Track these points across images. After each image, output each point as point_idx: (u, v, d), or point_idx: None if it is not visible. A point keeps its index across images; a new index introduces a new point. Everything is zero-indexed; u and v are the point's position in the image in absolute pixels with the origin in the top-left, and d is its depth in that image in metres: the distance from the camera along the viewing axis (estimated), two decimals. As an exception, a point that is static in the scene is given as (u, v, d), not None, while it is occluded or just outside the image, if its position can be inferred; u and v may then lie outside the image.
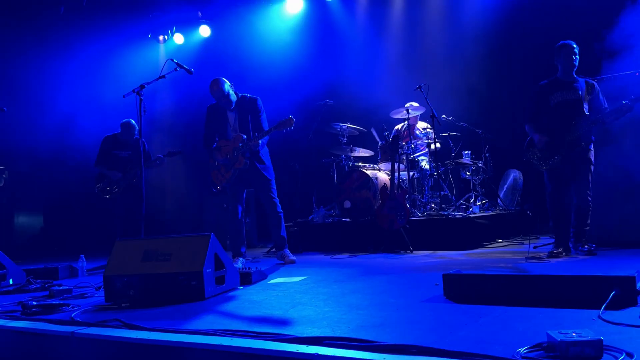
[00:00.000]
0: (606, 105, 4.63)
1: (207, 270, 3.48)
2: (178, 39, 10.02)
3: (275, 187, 5.58)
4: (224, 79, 5.45)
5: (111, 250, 3.75)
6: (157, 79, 4.86)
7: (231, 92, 5.45)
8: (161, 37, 10.10)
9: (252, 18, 9.50)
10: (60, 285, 4.29)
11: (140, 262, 3.60)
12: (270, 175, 5.55)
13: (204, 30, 9.90)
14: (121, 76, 9.05)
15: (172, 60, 4.94)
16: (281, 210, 5.58)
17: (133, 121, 6.65)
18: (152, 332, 2.58)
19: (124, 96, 4.69)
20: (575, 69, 4.68)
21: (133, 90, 4.61)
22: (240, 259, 5.45)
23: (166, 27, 10.05)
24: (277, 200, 5.56)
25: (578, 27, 6.49)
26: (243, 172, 5.42)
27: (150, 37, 10.13)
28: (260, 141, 5.31)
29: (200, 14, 9.69)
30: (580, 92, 4.64)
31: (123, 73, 9.19)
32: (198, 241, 3.61)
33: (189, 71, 4.99)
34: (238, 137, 5.37)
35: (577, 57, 4.66)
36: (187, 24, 9.98)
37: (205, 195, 8.76)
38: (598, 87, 4.72)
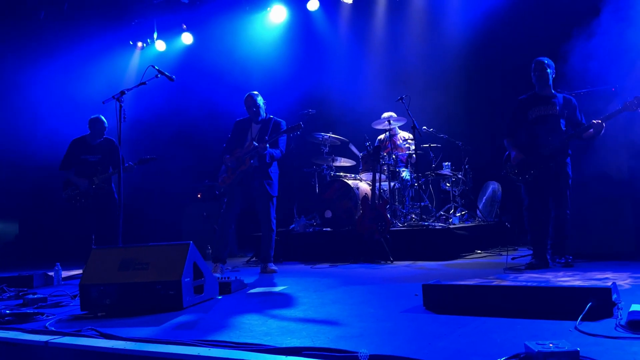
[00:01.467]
0: (584, 121, 4.72)
1: (186, 280, 3.45)
2: (160, 45, 9.95)
3: (275, 205, 5.63)
4: (259, 94, 5.73)
5: (87, 258, 3.69)
6: (137, 85, 4.80)
7: (262, 107, 5.69)
8: (140, 44, 10.00)
9: (236, 26, 9.49)
10: (34, 293, 4.21)
11: (117, 270, 3.54)
12: (274, 192, 5.60)
13: (187, 38, 9.86)
14: (101, 82, 8.96)
15: (154, 66, 4.90)
16: (275, 229, 5.62)
17: (103, 117, 6.31)
18: (128, 342, 2.54)
19: (103, 102, 4.63)
20: (549, 84, 4.75)
21: (113, 97, 4.55)
22: (221, 264, 5.43)
23: (148, 34, 9.98)
24: (274, 217, 5.60)
25: (558, 43, 6.62)
26: (247, 180, 5.48)
27: (132, 43, 10.05)
28: (267, 146, 5.39)
29: (184, 26, 9.65)
30: (557, 107, 4.72)
31: (103, 79, 9.10)
32: (177, 250, 3.57)
33: (170, 78, 4.95)
34: (250, 145, 5.50)
35: (550, 72, 4.74)
36: (170, 31, 9.93)
37: (185, 202, 8.69)
38: (575, 102, 4.80)
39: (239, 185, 5.53)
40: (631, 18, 5.25)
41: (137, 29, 9.87)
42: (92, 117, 6.31)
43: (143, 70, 4.89)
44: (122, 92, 4.59)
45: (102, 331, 2.74)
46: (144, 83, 4.80)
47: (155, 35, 9.83)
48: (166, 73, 4.91)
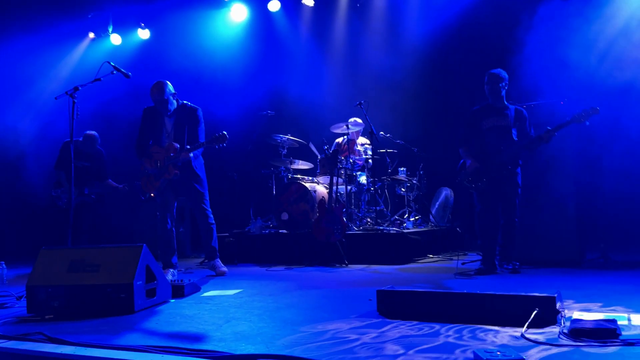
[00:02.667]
0: (532, 133, 4.89)
1: (138, 283, 3.39)
2: (115, 39, 9.71)
3: (208, 199, 5.43)
4: (168, 82, 5.28)
5: (35, 258, 3.57)
6: (92, 82, 4.69)
7: (171, 98, 5.27)
8: (91, 34, 9.68)
9: (195, 23, 9.35)
10: (-24, 294, 4.05)
11: (66, 272, 3.45)
12: (204, 188, 5.40)
13: (143, 33, 9.65)
14: (53, 75, 8.68)
15: (109, 63, 4.79)
16: (213, 222, 5.45)
17: (96, 134, 6.80)
18: (78, 347, 2.48)
19: (56, 98, 4.50)
20: (501, 96, 4.91)
21: (66, 93, 4.43)
22: (171, 270, 5.28)
23: (103, 27, 9.70)
24: (209, 211, 5.42)
25: (513, 54, 6.85)
26: (174, 182, 5.27)
27: (87, 36, 9.76)
28: (191, 154, 5.16)
29: (142, 24, 9.44)
30: (509, 119, 4.88)
31: (55, 71, 8.81)
32: (129, 252, 3.51)
33: (126, 75, 4.85)
34: (171, 146, 5.20)
35: (503, 85, 4.89)
36: (126, 25, 9.69)
37: (137, 202, 8.49)
38: (526, 114, 4.98)
39: (168, 188, 5.28)
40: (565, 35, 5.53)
41: (92, 22, 9.59)
42: (86, 132, 6.75)
43: (96, 63, 4.78)
44: (76, 88, 4.47)
45: (50, 335, 2.66)
46: (98, 79, 4.69)
47: (110, 29, 9.57)
48: (122, 69, 4.81)
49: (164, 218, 5.33)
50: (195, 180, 5.33)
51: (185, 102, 5.43)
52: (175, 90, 5.34)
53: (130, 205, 7.83)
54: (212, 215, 5.46)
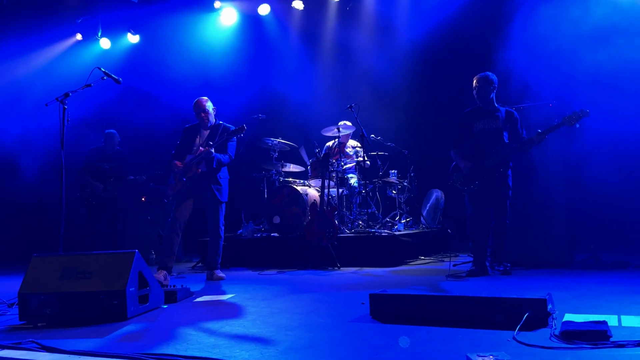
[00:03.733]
0: (524, 134, 4.93)
1: (130, 289, 3.38)
2: (105, 43, 9.66)
3: (224, 212, 5.54)
4: (208, 100, 5.65)
5: (27, 266, 3.55)
6: (82, 88, 4.66)
7: (212, 112, 5.62)
8: (79, 36, 9.61)
9: (185, 27, 9.33)
10: (-33, 302, 4.02)
11: (58, 279, 3.44)
12: (223, 197, 5.51)
13: (133, 37, 9.61)
14: (43, 80, 8.61)
15: (100, 68, 4.76)
16: (223, 236, 5.55)
17: (115, 132, 7.23)
18: (71, 355, 2.48)
19: (46, 104, 4.46)
20: (490, 99, 4.95)
21: (57, 99, 4.40)
22: (164, 272, 5.27)
23: (92, 31, 9.65)
24: (222, 224, 5.52)
25: (502, 56, 6.90)
26: (195, 186, 5.37)
27: (76, 41, 9.70)
28: (212, 151, 5.28)
29: (132, 31, 9.41)
30: (500, 121, 4.92)
31: (45, 77, 8.74)
32: (122, 259, 3.50)
33: (117, 80, 4.83)
34: (197, 151, 5.39)
35: (492, 88, 4.93)
36: (115, 29, 9.64)
37: (127, 206, 8.45)
38: (517, 116, 5.02)
39: (187, 192, 5.42)
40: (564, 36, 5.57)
41: (81, 26, 9.53)
42: (107, 131, 7.22)
43: (87, 67, 4.77)
44: (66, 94, 4.44)
45: (43, 343, 2.66)
46: (89, 85, 4.67)
47: (99, 33, 9.52)
48: (113, 75, 4.79)
49: (174, 222, 5.40)
50: (216, 186, 5.44)
51: (222, 122, 5.68)
52: (215, 107, 5.68)
53: (121, 208, 7.78)
54: (223, 229, 5.56)
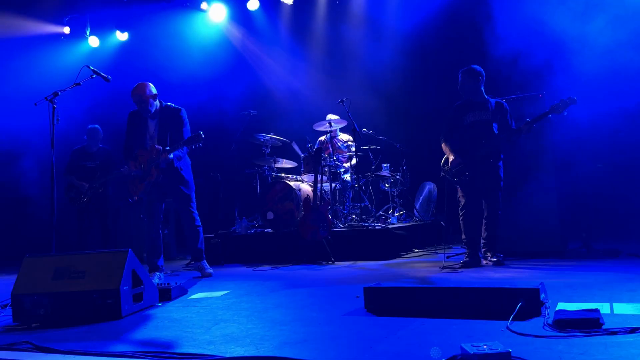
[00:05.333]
0: (513, 125, 4.96)
1: (124, 288, 3.37)
2: (93, 41, 9.60)
3: (194, 201, 5.40)
4: (150, 84, 5.21)
5: (20, 266, 3.54)
6: (71, 87, 4.63)
7: (151, 99, 5.19)
8: (66, 29, 9.51)
9: (173, 24, 9.29)
10: (-40, 304, 3.99)
11: (51, 279, 3.42)
12: (190, 190, 5.35)
13: (122, 35, 9.56)
14: (33, 77, 8.55)
15: (89, 67, 4.74)
16: (200, 224, 5.42)
17: (99, 127, 7.18)
18: (65, 355, 2.47)
19: (35, 104, 4.43)
20: (480, 91, 4.96)
21: (46, 98, 4.37)
22: (157, 273, 5.25)
23: (81, 30, 9.58)
24: (196, 214, 5.39)
25: (492, 49, 6.91)
26: (160, 184, 5.21)
27: (63, 39, 9.63)
28: (170, 155, 5.08)
29: (118, 31, 9.37)
30: (490, 112, 4.94)
31: (35, 74, 8.68)
32: (115, 257, 3.48)
33: (106, 79, 4.81)
34: (153, 148, 5.13)
35: (480, 79, 4.94)
36: (103, 27, 9.58)
37: (119, 205, 8.42)
38: (507, 107, 5.04)
39: (154, 191, 5.23)
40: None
41: (69, 24, 9.46)
42: (90, 126, 7.16)
43: (75, 65, 4.73)
44: (55, 94, 4.42)
45: (37, 344, 2.64)
46: (78, 84, 4.64)
47: (88, 31, 9.46)
48: (102, 73, 4.77)
49: (150, 221, 5.29)
50: (180, 182, 5.27)
51: (168, 103, 5.36)
52: (157, 92, 5.27)
53: (113, 207, 7.75)
54: (198, 218, 5.43)
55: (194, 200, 5.41)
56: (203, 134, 5.00)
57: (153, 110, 5.24)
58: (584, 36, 5.39)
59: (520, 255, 5.24)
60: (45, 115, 4.42)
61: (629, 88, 5.49)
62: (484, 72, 4.97)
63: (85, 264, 3.46)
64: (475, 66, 4.97)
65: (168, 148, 5.10)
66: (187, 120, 5.33)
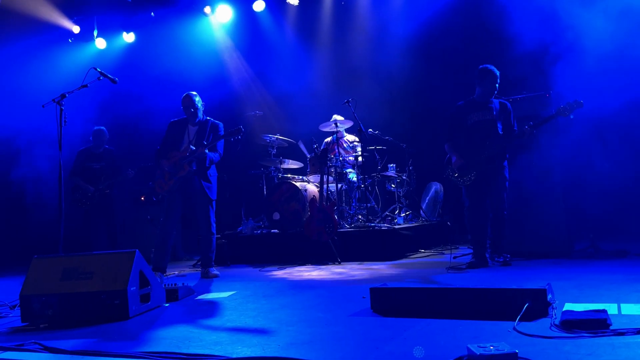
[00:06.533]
0: (515, 127, 4.94)
1: (132, 289, 3.39)
2: (100, 43, 9.65)
3: (214, 209, 5.53)
4: (197, 94, 5.56)
5: (28, 267, 3.56)
6: (78, 88, 4.65)
7: (200, 107, 5.53)
8: (76, 28, 9.55)
9: (179, 26, 9.32)
10: (-31, 305, 4.03)
11: (59, 280, 3.45)
12: (213, 195, 5.48)
13: (128, 36, 9.60)
14: (39, 82, 8.60)
15: (96, 69, 4.76)
16: (215, 232, 5.53)
17: (104, 128, 7.17)
18: (73, 356, 2.49)
19: (43, 106, 4.46)
20: (494, 94, 4.95)
21: (53, 100, 4.40)
22: (160, 274, 5.28)
23: (88, 31, 9.64)
24: (213, 220, 5.50)
25: (495, 48, 6.89)
26: (186, 185, 5.34)
27: (71, 41, 9.68)
28: (206, 150, 5.24)
29: (125, 32, 9.43)
30: (494, 113, 4.92)
31: (42, 79, 8.73)
32: (122, 258, 3.50)
33: (113, 80, 4.83)
34: (187, 148, 5.33)
35: (498, 82, 4.93)
36: (111, 29, 9.63)
37: (126, 206, 8.46)
38: (510, 108, 5.03)
39: (178, 191, 5.37)
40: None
41: (78, 25, 9.52)
42: (95, 128, 7.16)
43: (82, 67, 4.77)
44: (63, 95, 4.44)
45: (45, 344, 2.66)
46: (85, 86, 4.66)
47: (95, 33, 9.51)
48: (109, 75, 4.79)
49: (166, 222, 5.40)
50: (207, 186, 5.41)
51: (209, 118, 5.61)
52: (203, 103, 5.60)
53: (120, 208, 7.79)
54: (215, 226, 5.54)
55: (214, 208, 5.53)
56: (243, 127, 5.26)
57: (198, 119, 5.52)
58: (593, 30, 5.34)
59: (526, 256, 5.22)
60: (52, 116, 4.45)
61: (637, 84, 5.44)
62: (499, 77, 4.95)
63: (93, 265, 3.48)
64: (495, 68, 4.92)
65: (205, 142, 5.29)
66: (223, 134, 5.49)
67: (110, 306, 3.32)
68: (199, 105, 5.53)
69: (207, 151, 5.28)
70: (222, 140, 5.51)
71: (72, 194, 6.98)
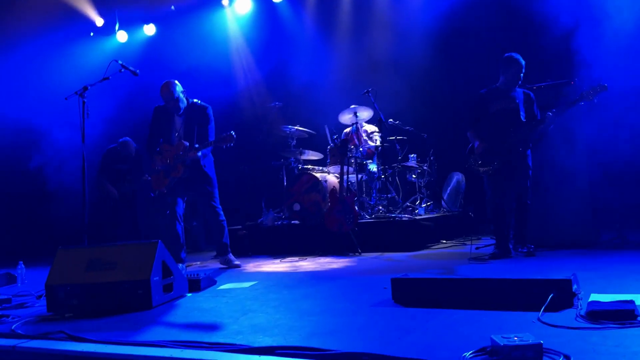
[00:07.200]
0: (538, 117, 4.85)
1: (155, 279, 3.42)
2: (121, 36, 9.74)
3: (217, 196, 5.47)
4: (176, 81, 5.34)
5: (53, 258, 3.62)
6: (100, 81, 4.70)
7: (181, 96, 5.33)
8: (100, 21, 9.66)
9: (200, 17, 9.35)
10: (-3, 294, 4.11)
11: (84, 271, 3.50)
12: (213, 187, 5.43)
13: (149, 29, 9.67)
14: (62, 76, 8.72)
15: (117, 61, 4.79)
16: (224, 218, 5.50)
17: (130, 140, 7.35)
18: (98, 345, 2.52)
19: (66, 98, 4.51)
20: (519, 83, 4.87)
21: (76, 92, 4.44)
22: (180, 265, 5.33)
23: (110, 24, 9.73)
24: (219, 208, 5.47)
25: (519, 35, 6.77)
26: (183, 181, 5.32)
27: (93, 35, 9.79)
28: (198, 153, 5.18)
29: (147, 26, 9.50)
30: (517, 101, 4.84)
31: (64, 72, 8.85)
32: (145, 249, 3.54)
33: (134, 73, 4.86)
34: (180, 145, 5.24)
35: (523, 73, 4.84)
36: (132, 22, 9.71)
37: (149, 198, 8.54)
38: (533, 97, 4.94)
39: (177, 187, 5.33)
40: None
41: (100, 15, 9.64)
42: (121, 139, 7.32)
43: (105, 61, 4.80)
44: (85, 88, 4.48)
45: (71, 333, 2.70)
46: (107, 78, 4.70)
47: (117, 27, 9.59)
48: (130, 67, 4.82)
49: (173, 215, 5.40)
50: (204, 179, 5.37)
51: (195, 100, 5.46)
52: (184, 88, 5.38)
53: (139, 200, 7.88)
54: (222, 212, 5.51)
55: (217, 195, 5.50)
56: (234, 133, 5.09)
57: (183, 107, 5.35)
58: (618, 14, 5.20)
59: (551, 247, 5.13)
60: (75, 109, 4.50)
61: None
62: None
63: (117, 256, 3.53)
64: (521, 58, 4.83)
65: (197, 146, 5.19)
66: (212, 117, 5.43)
67: (133, 296, 3.36)
68: (179, 94, 5.29)
69: (198, 154, 5.19)
70: (213, 125, 5.39)
71: (98, 192, 7.22)
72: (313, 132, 7.49)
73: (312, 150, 7.52)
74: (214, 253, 7.03)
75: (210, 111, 5.42)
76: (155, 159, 5.35)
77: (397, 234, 6.07)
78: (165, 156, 5.30)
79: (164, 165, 5.29)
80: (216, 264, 5.92)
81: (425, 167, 7.39)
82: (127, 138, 7.39)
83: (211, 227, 5.54)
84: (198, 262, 6.21)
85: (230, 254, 5.49)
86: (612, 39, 5.22)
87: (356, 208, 6.06)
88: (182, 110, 5.37)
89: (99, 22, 9.66)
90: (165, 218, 5.48)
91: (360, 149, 6.94)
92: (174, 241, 5.36)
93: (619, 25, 5.15)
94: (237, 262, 5.44)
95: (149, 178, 6.61)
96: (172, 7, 9.30)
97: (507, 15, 7.17)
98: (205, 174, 5.38)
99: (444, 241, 6.49)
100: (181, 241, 5.40)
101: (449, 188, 7.75)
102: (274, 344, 2.27)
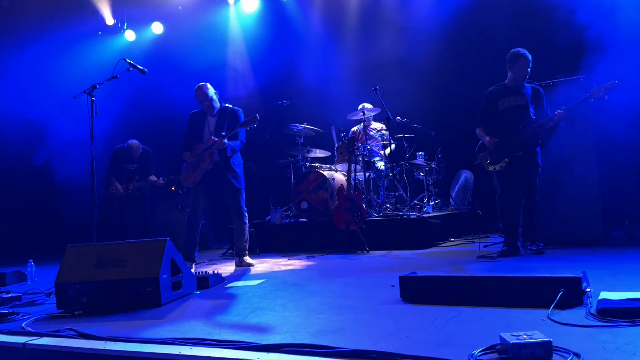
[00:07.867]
0: (549, 112, 4.81)
1: (164, 276, 3.44)
2: (129, 35, 9.77)
3: (244, 197, 5.53)
4: (208, 85, 5.47)
5: (63, 256, 3.65)
6: (109, 79, 4.72)
7: (215, 98, 5.47)
8: (111, 21, 9.70)
9: (207, 16, 9.36)
10: (8, 292, 4.16)
11: (93, 268, 3.52)
12: (241, 184, 5.49)
13: (157, 28, 9.70)
14: (71, 74, 8.76)
15: (125, 59, 4.82)
16: (247, 222, 5.54)
17: (137, 142, 7.35)
18: (108, 342, 2.53)
19: (74, 97, 4.54)
20: (526, 78, 4.84)
21: (84, 91, 4.47)
22: (190, 263, 5.35)
23: (119, 23, 9.77)
24: (244, 210, 5.51)
25: (528, 31, 6.72)
26: (211, 176, 5.36)
27: (101, 33, 9.83)
28: (225, 140, 5.24)
29: (154, 25, 9.54)
30: (527, 98, 4.81)
31: (73, 71, 8.89)
32: (154, 246, 3.56)
33: (142, 71, 4.88)
34: (209, 139, 5.35)
35: (530, 68, 4.81)
36: (139, 21, 9.74)
37: (157, 195, 8.58)
38: (543, 93, 4.90)
39: (203, 183, 5.39)
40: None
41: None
42: (129, 142, 7.31)
43: (113, 59, 4.83)
44: (94, 86, 4.51)
45: (80, 331, 2.72)
46: (115, 77, 4.73)
47: (125, 25, 9.63)
48: (138, 66, 4.84)
49: (193, 213, 5.43)
50: (232, 174, 5.41)
51: (227, 104, 5.58)
52: (216, 91, 5.53)
53: (151, 198, 7.91)
54: (246, 215, 5.55)
55: (244, 196, 5.53)
56: (259, 116, 5.19)
57: (216, 109, 5.47)
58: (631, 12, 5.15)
59: (560, 244, 5.10)
60: (84, 107, 4.52)
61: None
62: (531, 61, 4.82)
63: (126, 253, 3.55)
64: (527, 53, 4.78)
65: (223, 133, 5.28)
66: (243, 118, 5.48)
67: (142, 293, 3.38)
68: (213, 95, 5.44)
69: (226, 141, 5.25)
70: (243, 129, 5.48)
71: (106, 189, 7.25)
72: (320, 130, 7.48)
73: (320, 148, 7.52)
74: (223, 251, 7.08)
75: (241, 113, 5.52)
76: (185, 155, 5.44)
77: (405, 232, 6.06)
78: (195, 152, 5.39)
79: (193, 159, 5.37)
80: (224, 261, 5.95)
81: (433, 165, 7.37)
82: (135, 140, 7.40)
83: (234, 227, 5.57)
84: (206, 260, 6.23)
85: (247, 257, 5.50)
86: (623, 35, 5.18)
87: (364, 206, 6.05)
88: (215, 111, 5.49)
89: (110, 20, 9.69)
90: (181, 215, 5.51)
91: (368, 147, 6.92)
92: (190, 240, 5.41)
93: (631, 22, 5.10)
94: (250, 261, 5.46)
95: (156, 179, 6.77)
96: (180, 7, 9.32)
97: (515, 12, 7.13)
98: (234, 170, 5.44)
99: (452, 239, 6.47)
100: (196, 241, 5.44)
101: (457, 186, 7.72)
102: (282, 342, 2.27)
